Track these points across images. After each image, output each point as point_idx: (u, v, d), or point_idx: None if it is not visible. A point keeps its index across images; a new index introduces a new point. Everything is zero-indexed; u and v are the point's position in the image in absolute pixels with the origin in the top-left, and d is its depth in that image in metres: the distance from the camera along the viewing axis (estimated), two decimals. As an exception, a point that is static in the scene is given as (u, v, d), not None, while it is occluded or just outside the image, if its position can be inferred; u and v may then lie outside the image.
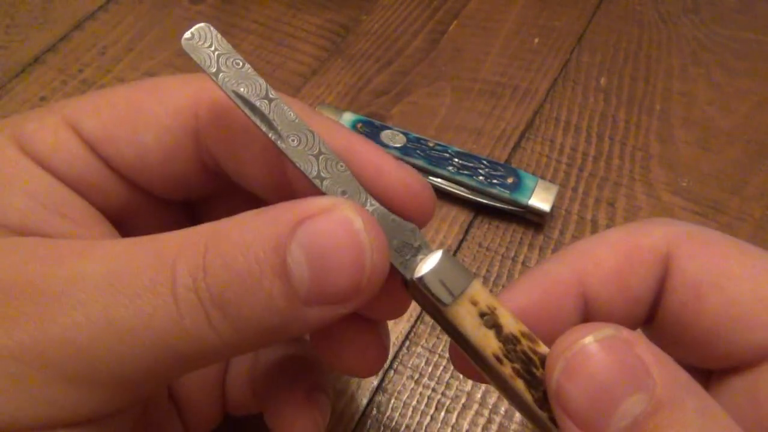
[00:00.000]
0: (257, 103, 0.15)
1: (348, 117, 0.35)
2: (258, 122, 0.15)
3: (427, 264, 0.16)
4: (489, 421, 0.27)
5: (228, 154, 0.17)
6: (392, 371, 0.28)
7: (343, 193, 0.15)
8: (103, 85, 0.39)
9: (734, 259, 0.16)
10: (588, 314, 0.17)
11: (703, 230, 0.17)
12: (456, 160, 0.33)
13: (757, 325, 0.15)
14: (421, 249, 0.16)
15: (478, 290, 0.16)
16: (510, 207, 0.32)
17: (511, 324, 0.15)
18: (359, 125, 0.35)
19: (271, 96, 0.15)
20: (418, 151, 0.34)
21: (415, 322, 0.30)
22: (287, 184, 0.17)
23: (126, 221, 0.19)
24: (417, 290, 0.16)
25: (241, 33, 0.42)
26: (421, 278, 0.15)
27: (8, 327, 0.14)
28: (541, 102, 0.38)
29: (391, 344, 0.29)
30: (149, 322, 0.14)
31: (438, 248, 0.16)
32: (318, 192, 0.16)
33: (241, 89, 0.15)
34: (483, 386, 0.28)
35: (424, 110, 0.38)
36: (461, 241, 0.32)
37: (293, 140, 0.15)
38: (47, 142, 0.17)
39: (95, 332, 0.14)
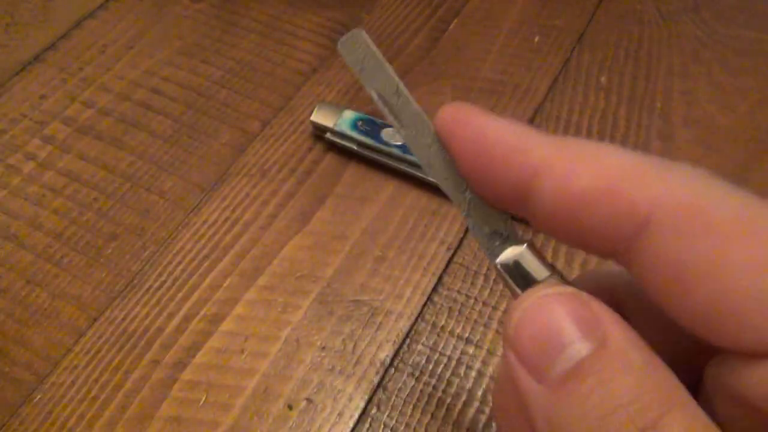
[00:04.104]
0: (390, 99, 0.18)
1: (349, 115, 0.35)
2: (387, 114, 0.18)
3: (509, 253, 0.17)
4: (490, 419, 0.27)
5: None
6: (393, 369, 0.28)
7: (445, 179, 0.18)
8: (103, 84, 0.39)
9: (736, 241, 0.13)
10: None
11: (704, 191, 0.14)
12: (457, 158, 0.33)
13: (752, 325, 0.13)
14: (509, 239, 0.17)
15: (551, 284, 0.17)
16: (511, 205, 0.32)
17: None
18: (360, 123, 0.34)
19: (399, 91, 0.18)
20: (418, 149, 0.33)
21: (416, 319, 0.30)
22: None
23: None
24: (499, 275, 0.17)
25: (241, 31, 0.42)
26: (499, 264, 0.17)
27: None
28: (542, 100, 0.38)
29: (392, 342, 0.29)
30: None
31: (521, 241, 0.17)
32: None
33: (379, 86, 0.18)
34: (484, 384, 0.28)
35: (425, 108, 0.38)
36: (462, 239, 0.32)
37: (411, 130, 0.18)
38: None
39: None
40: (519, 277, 0.17)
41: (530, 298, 0.15)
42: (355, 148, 0.34)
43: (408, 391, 0.28)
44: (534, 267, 0.17)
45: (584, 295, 0.14)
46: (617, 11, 0.43)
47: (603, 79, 0.39)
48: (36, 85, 0.39)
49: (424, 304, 0.30)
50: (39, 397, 0.28)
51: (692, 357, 0.15)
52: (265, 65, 0.40)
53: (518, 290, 0.17)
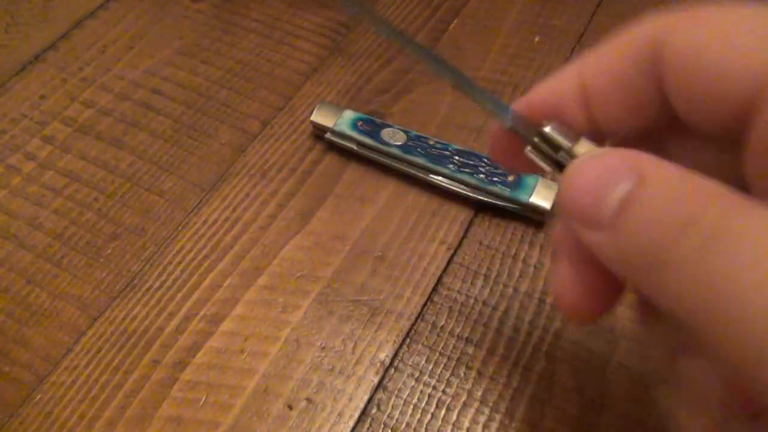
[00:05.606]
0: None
1: (348, 115, 0.35)
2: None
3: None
4: (490, 419, 0.27)
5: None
6: (393, 369, 0.28)
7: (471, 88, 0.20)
8: (103, 84, 0.39)
9: (728, 22, 0.15)
10: (592, 112, 0.18)
11: (701, 6, 0.16)
12: (456, 158, 0.33)
13: (737, 74, 0.14)
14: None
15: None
16: (511, 205, 0.32)
17: None
18: (360, 123, 0.34)
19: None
20: (418, 149, 0.33)
21: (416, 319, 0.30)
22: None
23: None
24: (534, 150, 0.19)
25: (241, 31, 0.42)
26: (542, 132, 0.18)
27: None
28: (542, 100, 0.38)
29: (392, 342, 0.29)
30: None
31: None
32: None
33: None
34: (484, 384, 0.28)
35: (425, 108, 0.38)
36: (462, 239, 0.32)
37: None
38: None
39: None
40: (551, 148, 0.18)
41: (573, 164, 0.16)
42: (354, 148, 0.34)
43: (408, 391, 0.28)
44: (564, 136, 0.18)
45: (620, 149, 0.16)
46: (617, 12, 0.43)
47: (603, 79, 0.39)
48: (36, 85, 0.39)
49: (424, 304, 0.30)
50: (39, 397, 0.28)
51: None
52: (265, 65, 0.40)
53: (550, 162, 0.18)
